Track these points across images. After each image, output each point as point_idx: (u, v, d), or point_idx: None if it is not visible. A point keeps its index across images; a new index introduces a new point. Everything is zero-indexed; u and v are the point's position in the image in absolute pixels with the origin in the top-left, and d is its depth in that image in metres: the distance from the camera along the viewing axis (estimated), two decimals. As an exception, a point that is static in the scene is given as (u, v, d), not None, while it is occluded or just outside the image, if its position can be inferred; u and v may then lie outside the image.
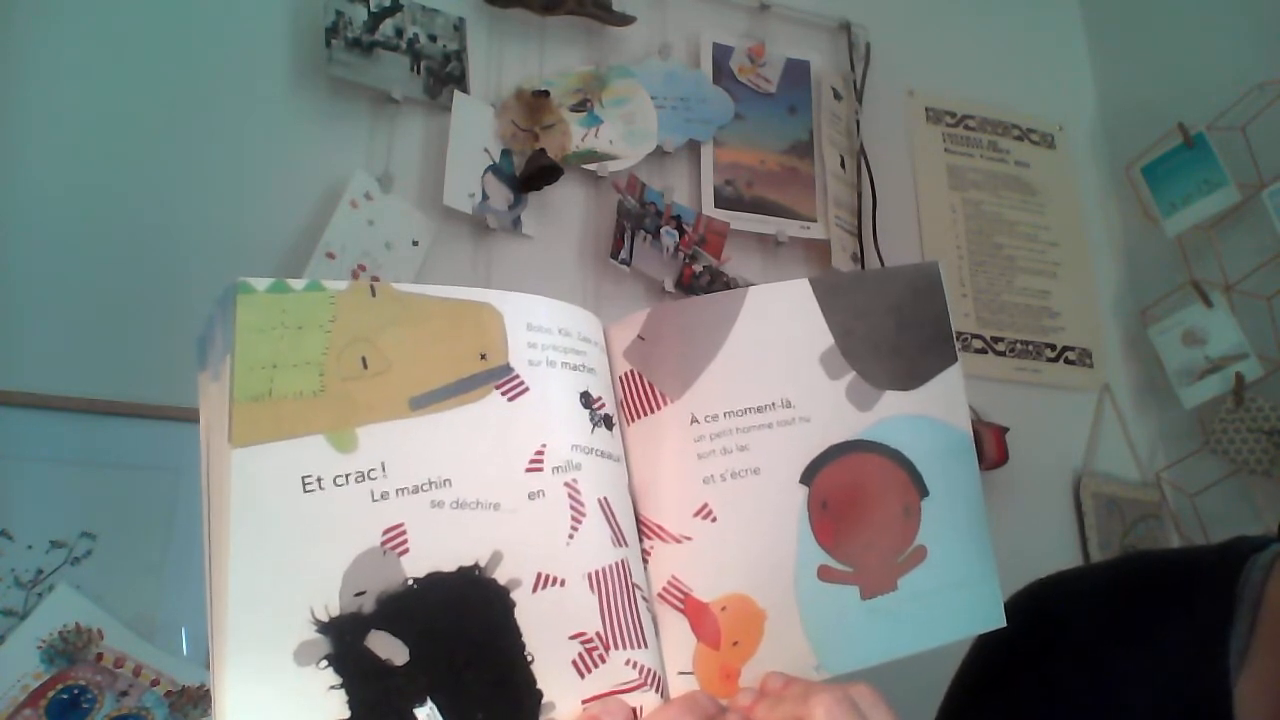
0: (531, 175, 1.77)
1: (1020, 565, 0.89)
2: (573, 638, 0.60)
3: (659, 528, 0.67)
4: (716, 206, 1.95)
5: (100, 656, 1.36)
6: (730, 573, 0.67)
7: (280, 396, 0.55)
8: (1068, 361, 2.17)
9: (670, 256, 1.84)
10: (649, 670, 0.62)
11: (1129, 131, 2.27)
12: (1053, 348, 2.17)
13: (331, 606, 0.54)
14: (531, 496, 0.60)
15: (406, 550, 0.56)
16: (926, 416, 0.74)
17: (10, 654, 1.32)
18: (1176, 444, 2.11)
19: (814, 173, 2.05)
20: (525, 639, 0.58)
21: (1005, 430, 1.97)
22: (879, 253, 2.04)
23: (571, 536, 0.61)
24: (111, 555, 1.41)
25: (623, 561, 0.63)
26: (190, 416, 1.41)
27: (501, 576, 0.58)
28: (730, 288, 1.81)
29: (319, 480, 0.55)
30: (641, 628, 0.63)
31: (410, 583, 0.56)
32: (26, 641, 1.33)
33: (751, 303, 0.71)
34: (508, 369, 0.62)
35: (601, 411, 0.66)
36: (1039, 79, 2.41)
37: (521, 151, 1.81)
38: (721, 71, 2.05)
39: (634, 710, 0.60)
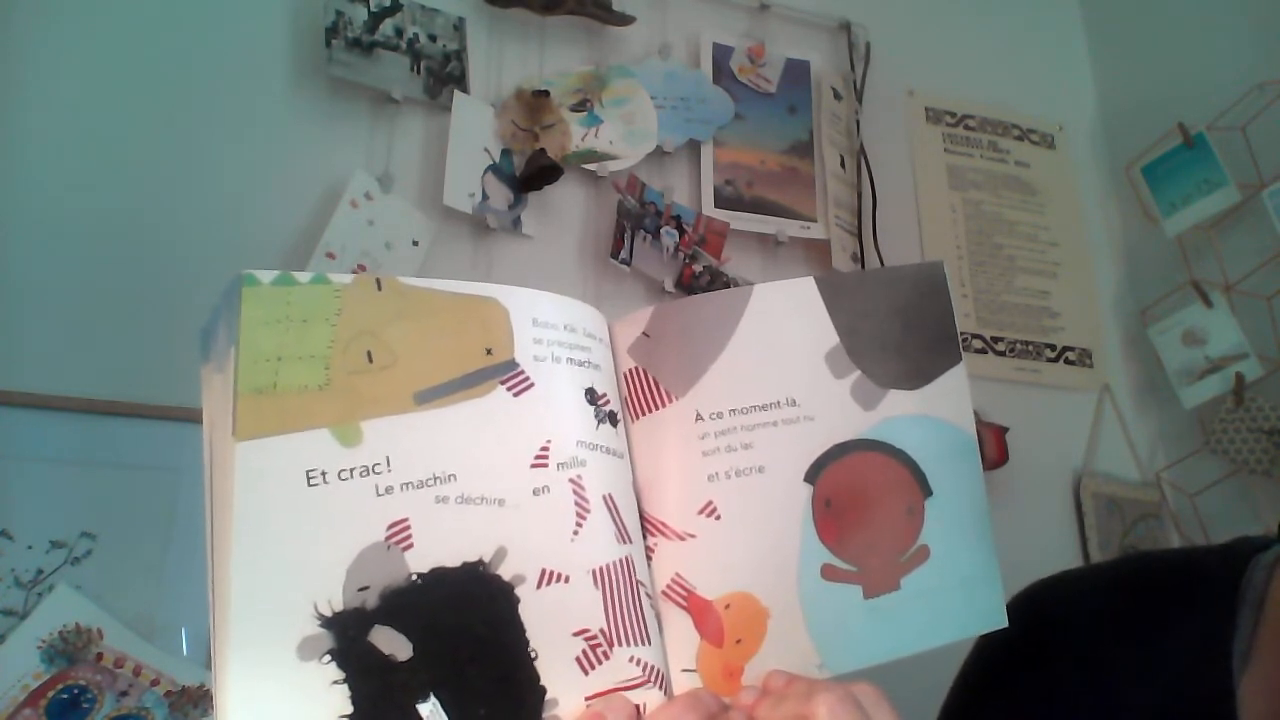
0: (531, 175, 1.77)
1: (1020, 565, 0.89)
2: (576, 634, 0.59)
3: (663, 525, 0.67)
4: (716, 206, 1.95)
5: (100, 656, 1.36)
6: (734, 571, 0.67)
7: (285, 389, 0.55)
8: (1068, 361, 2.17)
9: (670, 256, 1.84)
10: (652, 667, 0.62)
11: (1129, 131, 2.27)
12: (1053, 348, 2.17)
13: (335, 601, 0.54)
14: (536, 492, 0.60)
15: (410, 545, 0.56)
16: (930, 416, 0.74)
17: (10, 654, 1.32)
18: (1176, 444, 2.11)
19: (814, 173, 2.05)
20: (529, 635, 0.58)
21: (1005, 430, 1.97)
22: (879, 253, 2.04)
23: (576, 533, 0.61)
24: (111, 555, 1.41)
25: (627, 558, 0.63)
26: (190, 416, 1.42)
27: (505, 572, 0.58)
28: (730, 288, 1.81)
29: (323, 474, 0.55)
30: (645, 625, 0.63)
31: (414, 578, 0.56)
32: (26, 641, 1.33)
33: (757, 301, 0.71)
34: (513, 364, 0.62)
35: (606, 408, 0.66)
36: (1039, 79, 2.41)
37: (521, 151, 1.81)
38: (721, 71, 2.05)
39: (637, 707, 0.60)
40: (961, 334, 2.08)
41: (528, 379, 0.62)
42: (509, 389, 0.62)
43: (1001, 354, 2.12)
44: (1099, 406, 2.17)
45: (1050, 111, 2.38)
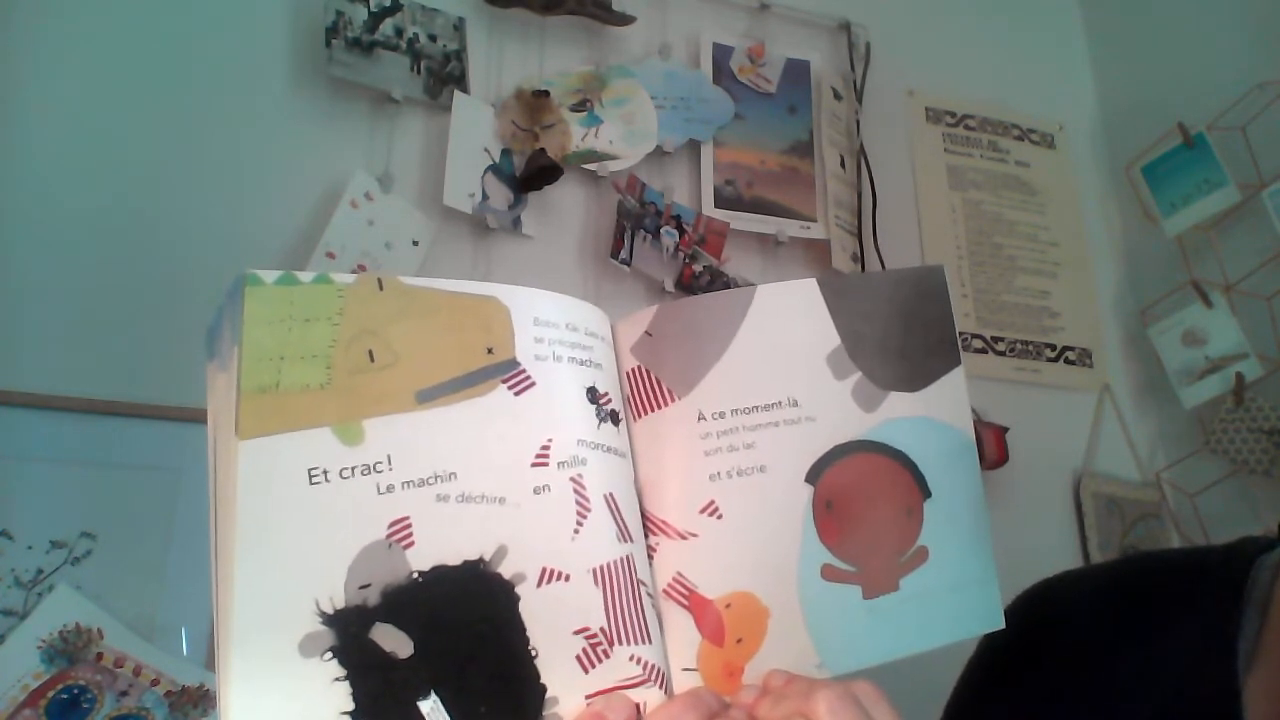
0: (531, 175, 1.77)
1: (1020, 565, 0.89)
2: (577, 633, 0.60)
3: (664, 524, 0.67)
4: (716, 206, 1.95)
5: (100, 656, 1.36)
6: (735, 570, 0.67)
7: (287, 388, 0.55)
8: (1068, 361, 2.17)
9: (670, 256, 1.84)
10: (653, 666, 0.62)
11: (1129, 131, 2.28)
12: (1053, 348, 2.17)
13: (336, 599, 0.54)
14: (537, 491, 0.60)
15: (412, 543, 0.56)
16: (930, 418, 0.74)
17: (10, 654, 1.32)
18: (1176, 444, 2.11)
19: (814, 173, 2.05)
20: (529, 633, 0.58)
21: (1005, 430, 1.97)
22: (879, 253, 2.04)
23: (577, 531, 0.61)
24: (111, 555, 1.41)
25: (628, 557, 0.63)
26: (191, 416, 1.42)
27: (506, 571, 0.58)
28: (730, 288, 1.81)
29: (325, 472, 0.55)
30: (646, 624, 0.63)
31: (415, 576, 0.56)
32: (26, 641, 1.33)
33: (759, 301, 0.71)
34: (514, 363, 0.62)
35: (608, 407, 0.66)
36: (1039, 79, 2.41)
37: (521, 151, 1.81)
38: (721, 71, 2.05)
39: (637, 706, 0.60)
40: (961, 334, 2.08)
41: (529, 378, 0.62)
42: (510, 388, 0.62)
43: (1001, 354, 2.12)
44: (1099, 406, 2.17)
45: (1050, 111, 2.38)
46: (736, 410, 0.69)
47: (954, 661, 0.95)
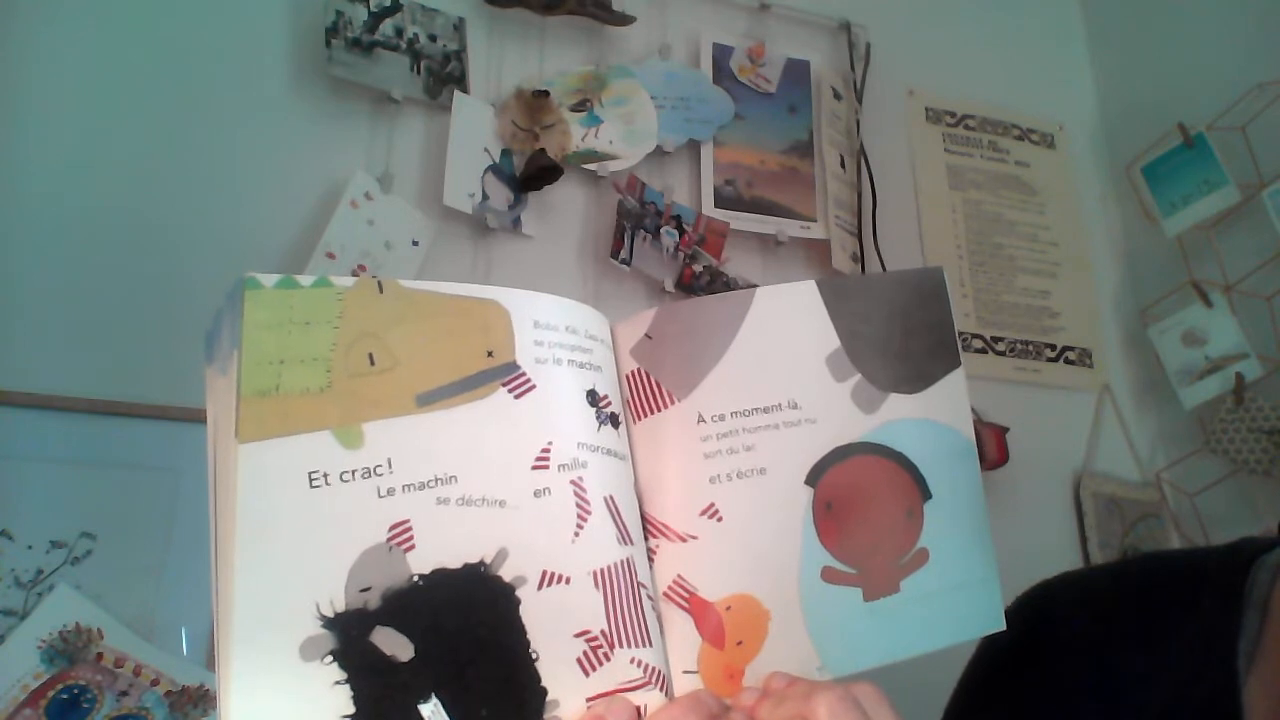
0: (531, 175, 1.77)
1: (1020, 565, 0.89)
2: (577, 636, 0.59)
3: (664, 526, 0.67)
4: (716, 206, 1.95)
5: (100, 656, 1.36)
6: (735, 572, 0.67)
7: (287, 392, 0.55)
8: (1068, 361, 2.17)
9: (670, 256, 1.84)
10: (653, 669, 0.62)
11: (1129, 131, 2.28)
12: (1053, 348, 2.17)
13: (337, 602, 0.54)
14: (537, 494, 0.60)
15: (412, 546, 0.56)
16: (930, 420, 0.74)
17: (10, 654, 1.32)
18: (1176, 444, 2.12)
19: (814, 173, 2.05)
20: (530, 636, 0.58)
21: (1005, 430, 1.97)
22: (879, 253, 2.04)
23: (577, 534, 0.61)
24: (111, 555, 1.41)
25: (628, 560, 0.63)
26: (191, 416, 1.42)
27: (507, 574, 0.58)
28: (730, 288, 1.82)
29: (325, 476, 0.55)
30: (646, 626, 0.63)
31: (416, 579, 0.56)
32: (26, 641, 1.33)
33: (759, 303, 0.71)
34: (514, 366, 0.62)
35: (608, 409, 0.66)
36: (1039, 79, 2.41)
37: (521, 151, 1.81)
38: (721, 71, 2.05)
39: (638, 709, 0.60)
40: (961, 334, 2.08)
41: (529, 381, 0.62)
42: (510, 391, 0.62)
43: (1001, 354, 2.12)
44: (1099, 406, 2.17)
45: (1050, 111, 2.38)
46: (736, 413, 0.69)
47: (954, 663, 0.95)
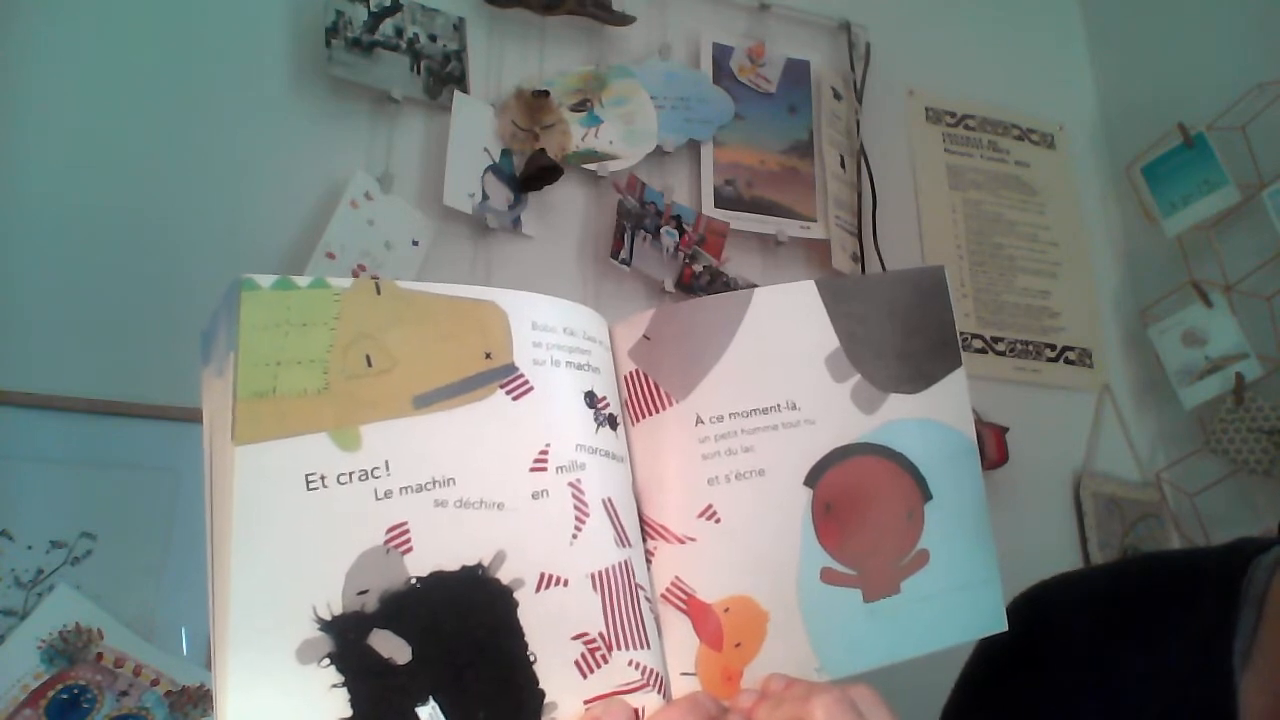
0: (531, 175, 1.77)
1: (1020, 565, 0.89)
2: (575, 638, 0.59)
3: (663, 528, 0.67)
4: (716, 206, 1.95)
5: (100, 656, 1.36)
6: (733, 574, 0.67)
7: (284, 394, 0.55)
8: (1068, 361, 2.17)
9: (670, 256, 1.84)
10: (651, 671, 0.62)
11: (1129, 131, 2.28)
12: (1053, 348, 2.17)
13: (334, 605, 0.54)
14: (535, 496, 0.60)
15: (410, 549, 0.56)
16: (930, 420, 0.74)
17: (10, 654, 1.32)
18: (1176, 444, 2.12)
19: (814, 173, 2.05)
20: (528, 639, 0.58)
21: (1005, 430, 1.97)
22: (879, 253, 2.04)
23: (575, 536, 0.61)
24: (111, 555, 1.41)
25: (626, 562, 0.63)
26: (191, 416, 1.42)
27: (505, 576, 0.58)
28: (730, 288, 1.82)
29: (322, 478, 0.55)
30: (644, 628, 0.63)
31: (413, 581, 0.56)
32: (26, 641, 1.33)
33: (757, 304, 0.71)
34: (512, 368, 0.62)
35: (606, 411, 0.66)
36: (1039, 79, 2.41)
37: (521, 151, 1.81)
38: (721, 71, 2.05)
39: (636, 711, 0.60)
40: (961, 334, 2.08)
41: (527, 382, 0.62)
42: (508, 393, 0.62)
43: (1001, 354, 2.12)
44: (1099, 406, 2.17)
45: (1050, 111, 2.38)
46: (735, 414, 0.68)
47: (954, 664, 0.95)
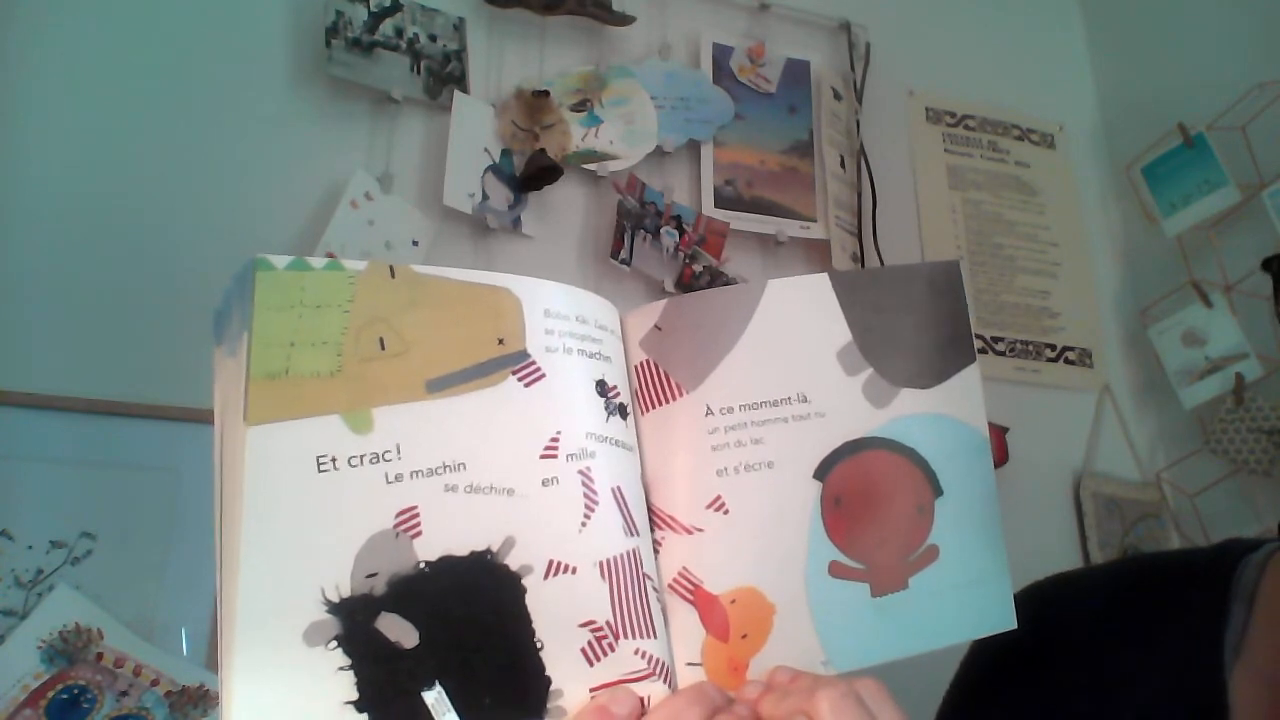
0: (531, 175, 1.77)
1: (1020, 565, 0.89)
2: (582, 625, 0.59)
3: (671, 518, 0.66)
4: (716, 206, 1.95)
5: (100, 656, 1.36)
6: (741, 566, 0.67)
7: (297, 375, 0.55)
8: (1068, 361, 2.17)
9: (670, 256, 1.85)
10: (657, 660, 0.62)
11: (1129, 131, 2.28)
12: (1053, 348, 2.17)
13: (343, 587, 0.54)
14: (545, 483, 0.60)
15: (419, 533, 0.56)
16: (943, 415, 0.74)
17: (10, 654, 1.32)
18: (1176, 444, 2.12)
19: (814, 173, 2.05)
20: (535, 625, 0.58)
21: (1005, 430, 1.97)
22: (879, 253, 2.04)
23: (584, 524, 0.61)
24: (111, 555, 1.41)
25: (634, 551, 0.63)
26: (191, 416, 1.42)
27: (513, 562, 0.58)
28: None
29: (333, 460, 0.55)
30: (651, 618, 0.63)
31: (422, 566, 0.56)
32: (26, 641, 1.33)
33: (769, 296, 0.71)
34: (524, 355, 0.62)
35: (616, 400, 0.66)
36: (1039, 79, 2.41)
37: (521, 151, 1.81)
38: (721, 71, 2.05)
39: (642, 700, 0.60)
40: (962, 334, 2.09)
41: (539, 369, 0.62)
42: (520, 379, 0.62)
43: (1001, 354, 2.12)
44: (1099, 406, 2.17)
45: (1050, 111, 2.38)
46: (745, 405, 0.68)
47: (943, 658, 0.95)
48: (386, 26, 1.77)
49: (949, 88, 2.30)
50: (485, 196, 1.76)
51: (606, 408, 0.65)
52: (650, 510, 0.67)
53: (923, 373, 0.74)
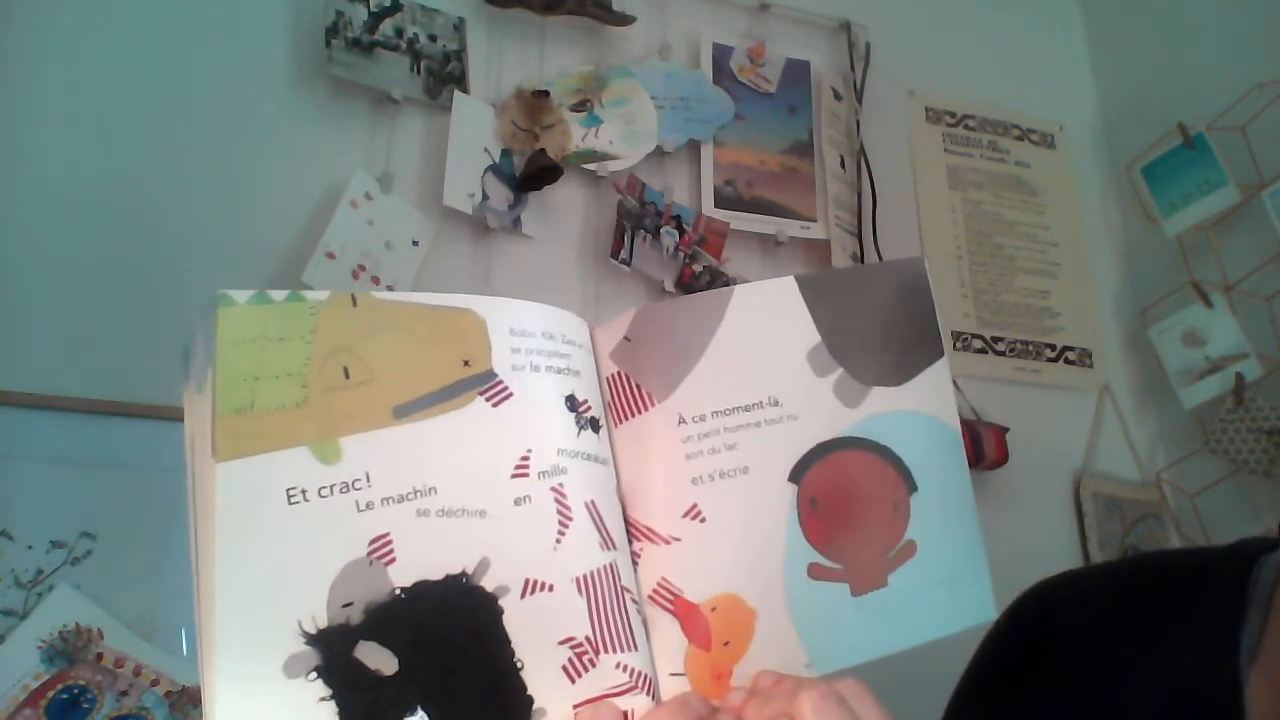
0: (531, 175, 1.77)
1: (1020, 565, 0.89)
2: (562, 643, 0.60)
3: (648, 529, 0.67)
4: (716, 206, 1.95)
5: (100, 656, 1.36)
6: (720, 573, 0.67)
7: (263, 409, 0.56)
8: (1068, 361, 2.17)
9: (670, 256, 1.85)
10: (640, 673, 0.62)
11: (1129, 131, 2.28)
12: (1053, 348, 2.17)
13: (319, 618, 0.54)
14: (518, 502, 0.61)
15: (393, 560, 0.56)
16: (914, 412, 0.74)
17: (10, 654, 1.32)
18: (1176, 444, 2.11)
19: (814, 173, 2.05)
20: (514, 645, 0.58)
21: (1005, 430, 1.97)
22: (879, 253, 2.04)
23: (559, 541, 0.61)
24: (111, 555, 1.41)
25: (611, 564, 0.63)
26: (190, 417, 1.41)
27: (489, 583, 0.58)
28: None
29: (303, 492, 0.55)
30: (631, 631, 0.63)
31: (398, 592, 0.56)
32: (26, 641, 1.34)
33: (737, 301, 0.71)
34: (491, 375, 0.63)
35: (588, 414, 0.67)
36: (1039, 79, 2.41)
37: (521, 151, 1.81)
38: (721, 71, 2.05)
39: (625, 714, 0.60)
40: (962, 334, 2.09)
41: (506, 389, 0.63)
42: (488, 399, 0.62)
43: (1001, 354, 2.12)
44: (1099, 406, 2.17)
45: (1050, 111, 2.38)
46: (717, 412, 0.69)
47: (948, 656, 0.95)
48: (386, 26, 1.77)
49: (949, 88, 2.30)
50: (485, 196, 1.77)
51: (578, 422, 0.65)
52: (627, 522, 0.67)
53: (892, 370, 0.74)
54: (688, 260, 1.85)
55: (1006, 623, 0.91)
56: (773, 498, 0.69)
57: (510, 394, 0.63)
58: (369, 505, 0.57)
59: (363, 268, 1.62)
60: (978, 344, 2.10)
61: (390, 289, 1.63)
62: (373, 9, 1.76)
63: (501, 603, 0.59)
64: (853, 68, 2.16)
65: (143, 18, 1.67)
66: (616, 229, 1.81)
